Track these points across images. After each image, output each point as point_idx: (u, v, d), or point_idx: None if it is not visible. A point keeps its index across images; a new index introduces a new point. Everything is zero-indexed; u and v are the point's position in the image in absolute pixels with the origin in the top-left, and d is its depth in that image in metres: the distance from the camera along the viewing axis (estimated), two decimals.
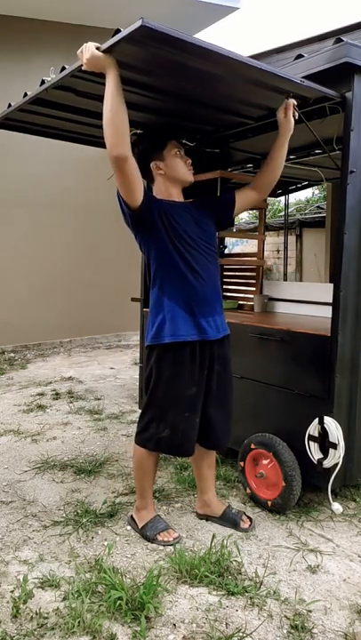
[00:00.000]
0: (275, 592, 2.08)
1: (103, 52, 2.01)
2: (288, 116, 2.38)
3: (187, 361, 2.30)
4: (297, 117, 2.40)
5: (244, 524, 2.55)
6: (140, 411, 2.55)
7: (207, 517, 2.65)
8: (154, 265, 2.35)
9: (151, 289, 2.39)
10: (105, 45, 1.99)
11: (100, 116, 3.01)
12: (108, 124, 2.05)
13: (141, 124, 3.19)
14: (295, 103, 2.38)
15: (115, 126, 2.05)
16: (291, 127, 2.40)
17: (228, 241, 10.55)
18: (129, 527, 2.57)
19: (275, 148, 2.49)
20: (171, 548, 2.38)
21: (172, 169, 2.39)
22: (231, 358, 2.52)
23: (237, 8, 7.77)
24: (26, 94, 2.68)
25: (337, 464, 2.48)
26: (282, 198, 6.46)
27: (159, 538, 2.43)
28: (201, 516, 2.67)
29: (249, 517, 2.62)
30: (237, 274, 4.28)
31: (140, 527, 2.50)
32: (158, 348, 2.32)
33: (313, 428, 2.54)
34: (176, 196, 2.44)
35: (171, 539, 2.42)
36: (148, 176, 2.44)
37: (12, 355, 7.19)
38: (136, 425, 2.52)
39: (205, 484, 2.64)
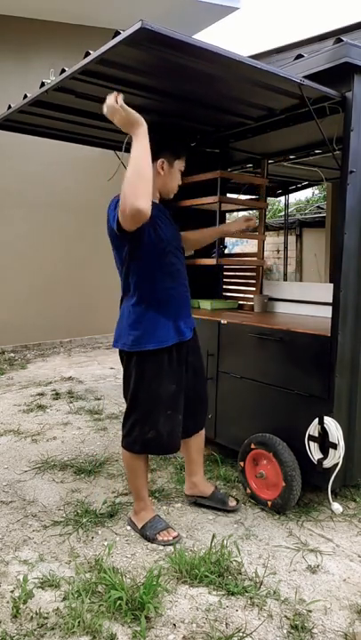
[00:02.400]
0: (275, 592, 2.08)
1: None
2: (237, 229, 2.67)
3: (166, 362, 2.37)
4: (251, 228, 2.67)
5: (232, 503, 2.70)
6: None
7: (196, 498, 2.76)
8: (134, 277, 2.33)
9: (127, 298, 2.38)
10: (104, 49, 1.99)
11: (99, 117, 3.02)
12: (138, 178, 2.02)
13: None
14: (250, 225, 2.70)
15: (146, 181, 2.04)
16: (229, 234, 2.67)
17: (228, 241, 10.56)
18: (129, 527, 2.57)
19: (204, 236, 2.79)
20: (171, 547, 2.38)
21: (170, 179, 2.43)
22: (200, 345, 2.67)
23: (237, 8, 7.77)
24: (26, 96, 2.68)
25: (337, 464, 2.48)
26: (282, 198, 6.46)
27: (159, 537, 2.43)
28: (189, 498, 2.78)
29: (236, 499, 2.75)
30: (237, 274, 4.28)
31: (139, 528, 2.51)
32: (138, 353, 2.34)
33: (313, 428, 2.54)
34: (155, 199, 2.40)
35: (170, 538, 2.43)
36: None
37: (12, 355, 7.19)
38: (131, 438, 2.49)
39: (194, 467, 2.74)
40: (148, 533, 2.45)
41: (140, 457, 2.49)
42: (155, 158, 2.31)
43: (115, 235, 2.29)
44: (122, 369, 2.49)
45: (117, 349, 2.46)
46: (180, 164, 2.44)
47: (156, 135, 2.22)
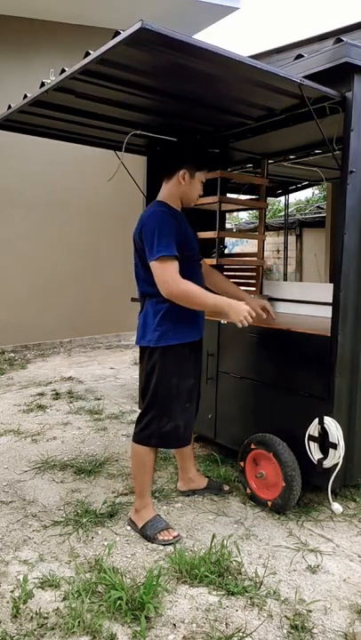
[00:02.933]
0: (275, 592, 2.08)
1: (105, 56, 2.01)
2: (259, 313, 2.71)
3: (187, 357, 2.52)
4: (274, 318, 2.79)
5: (225, 487, 2.93)
6: (140, 411, 2.58)
7: (192, 492, 2.89)
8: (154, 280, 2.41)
9: (151, 298, 2.47)
10: (104, 49, 1.99)
11: (99, 117, 3.03)
12: (188, 303, 2.35)
13: (142, 124, 3.20)
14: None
15: (190, 303, 2.36)
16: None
17: (228, 241, 10.56)
18: (129, 527, 2.57)
19: (222, 287, 2.85)
20: (171, 547, 2.38)
21: (191, 190, 2.51)
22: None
23: (237, 8, 7.77)
24: (26, 96, 2.68)
25: (337, 464, 2.48)
26: (282, 198, 6.45)
27: (159, 537, 2.44)
28: (185, 493, 2.89)
29: (226, 484, 2.97)
30: (237, 274, 4.28)
31: (139, 527, 2.51)
32: (161, 349, 2.45)
33: (313, 428, 2.54)
34: (178, 208, 2.55)
35: (171, 537, 2.44)
36: (169, 172, 2.50)
37: (12, 355, 7.19)
38: (135, 425, 2.57)
39: (189, 462, 2.88)
40: (148, 532, 2.46)
41: (152, 452, 2.54)
42: (177, 169, 2.46)
43: (142, 246, 2.41)
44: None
45: (136, 348, 2.56)
46: (201, 176, 2.52)
47: (180, 146, 2.38)
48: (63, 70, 2.34)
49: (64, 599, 2.02)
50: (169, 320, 2.42)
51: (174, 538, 2.44)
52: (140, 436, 2.51)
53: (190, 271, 2.44)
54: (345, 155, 2.44)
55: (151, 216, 2.39)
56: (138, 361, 2.88)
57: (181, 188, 2.48)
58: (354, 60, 2.31)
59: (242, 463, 2.86)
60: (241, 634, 1.85)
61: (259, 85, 2.39)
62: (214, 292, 2.81)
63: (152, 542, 2.43)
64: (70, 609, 1.95)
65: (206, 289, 2.49)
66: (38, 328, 7.58)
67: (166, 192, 2.51)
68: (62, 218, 7.69)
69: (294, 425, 2.67)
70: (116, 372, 6.18)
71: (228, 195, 4.30)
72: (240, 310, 2.33)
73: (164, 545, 2.41)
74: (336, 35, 4.09)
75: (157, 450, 2.58)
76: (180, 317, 2.43)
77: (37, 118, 3.02)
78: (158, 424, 2.46)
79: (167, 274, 2.28)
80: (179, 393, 2.48)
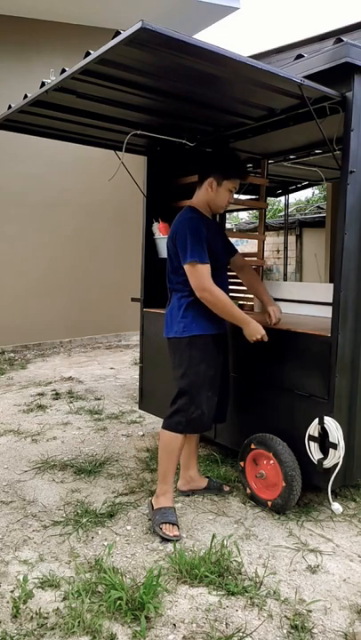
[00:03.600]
0: (275, 592, 2.08)
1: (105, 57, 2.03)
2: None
3: (209, 349, 2.64)
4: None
5: (226, 488, 2.93)
6: (140, 411, 2.61)
7: (191, 492, 2.91)
8: (185, 278, 2.57)
9: (177, 293, 2.65)
10: (104, 49, 1.99)
11: (99, 117, 3.03)
12: (215, 308, 2.55)
13: (142, 124, 3.20)
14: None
15: (219, 308, 2.56)
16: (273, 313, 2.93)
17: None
18: (129, 527, 2.57)
19: (254, 289, 3.13)
20: (171, 547, 2.38)
21: (219, 198, 2.64)
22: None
23: (237, 8, 7.77)
24: (26, 96, 2.68)
25: (337, 464, 2.48)
26: (282, 198, 6.45)
27: (163, 529, 2.48)
28: (185, 493, 2.90)
29: (227, 484, 2.99)
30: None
31: (154, 509, 2.58)
32: (187, 339, 2.59)
33: (313, 428, 2.54)
34: (207, 213, 2.70)
35: (171, 535, 2.46)
36: (200, 178, 2.67)
37: (12, 355, 7.19)
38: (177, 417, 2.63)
39: (192, 460, 2.92)
40: (157, 517, 2.53)
41: (179, 439, 2.61)
42: (206, 176, 2.62)
43: (176, 250, 2.59)
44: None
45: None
46: (229, 185, 2.62)
47: (210, 154, 2.50)
48: (63, 70, 2.34)
49: (64, 599, 2.02)
50: (192, 312, 2.59)
51: (174, 536, 2.45)
52: (168, 423, 2.62)
53: (212, 275, 2.55)
54: (345, 155, 2.44)
55: (183, 222, 2.56)
56: (138, 361, 2.86)
57: (209, 196, 2.63)
58: (354, 60, 2.31)
59: (242, 463, 2.86)
60: (241, 634, 1.85)
61: (259, 85, 2.39)
62: (246, 287, 3.18)
63: (154, 529, 2.49)
64: (70, 609, 1.95)
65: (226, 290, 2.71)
66: (38, 328, 7.58)
67: (196, 198, 2.68)
68: (62, 218, 7.69)
69: (294, 425, 2.67)
70: (116, 371, 6.18)
71: None
72: (255, 332, 2.61)
73: (162, 538, 2.44)
74: (336, 35, 4.09)
75: (185, 437, 2.66)
76: (202, 311, 2.58)
77: (37, 118, 3.02)
78: (188, 410, 2.58)
79: (201, 278, 2.49)
80: (204, 381, 2.61)
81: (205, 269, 2.49)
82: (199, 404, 2.60)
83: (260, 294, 3.08)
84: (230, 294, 4.18)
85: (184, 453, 2.87)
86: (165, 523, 2.49)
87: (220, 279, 2.65)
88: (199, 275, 2.49)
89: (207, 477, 3.00)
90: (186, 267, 2.51)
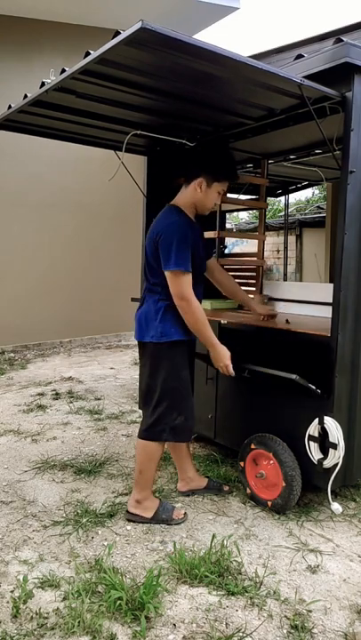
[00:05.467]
0: (275, 592, 2.08)
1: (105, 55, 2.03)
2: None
3: (187, 354, 2.63)
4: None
5: (225, 488, 2.93)
6: (140, 411, 2.60)
7: (192, 492, 2.90)
8: (164, 281, 2.49)
9: (153, 296, 2.56)
10: (104, 49, 1.99)
11: (99, 117, 3.03)
12: (189, 320, 2.47)
13: (142, 124, 3.20)
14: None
15: (194, 323, 2.49)
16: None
17: (228, 241, 10.55)
18: (129, 527, 2.57)
19: (231, 290, 3.03)
20: (171, 547, 2.38)
21: (207, 199, 2.54)
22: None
23: (237, 8, 7.76)
24: (26, 96, 2.68)
25: (337, 464, 2.48)
26: (282, 198, 6.44)
27: (175, 517, 2.58)
28: (185, 493, 2.89)
29: (226, 484, 2.99)
30: (237, 274, 4.27)
31: (150, 517, 2.58)
32: (168, 344, 2.52)
33: (313, 428, 2.54)
34: (191, 214, 2.60)
35: (182, 515, 2.62)
36: (188, 177, 2.54)
37: (12, 355, 7.19)
38: (142, 422, 2.61)
39: (187, 462, 2.90)
40: (164, 516, 2.58)
41: (161, 445, 2.61)
42: (195, 176, 2.49)
43: (157, 254, 2.48)
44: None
45: (136, 348, 2.62)
46: (218, 187, 2.53)
47: (200, 153, 2.39)
48: (63, 70, 2.34)
49: (64, 599, 2.02)
50: (171, 317, 2.51)
51: (185, 515, 2.62)
52: (152, 432, 2.55)
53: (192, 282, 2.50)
54: (345, 155, 2.44)
55: (171, 226, 2.43)
56: (138, 360, 2.86)
57: (196, 196, 2.52)
58: (354, 60, 2.31)
59: (242, 463, 2.86)
60: (241, 634, 1.85)
61: (259, 85, 2.39)
62: (223, 289, 3.02)
63: (169, 524, 2.56)
64: (70, 609, 1.95)
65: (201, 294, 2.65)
66: (38, 328, 7.57)
67: (182, 197, 2.56)
68: (62, 218, 7.69)
69: (294, 425, 2.67)
70: (116, 371, 6.18)
71: (228, 195, 4.29)
72: (222, 357, 2.55)
73: (177, 524, 2.56)
74: (336, 35, 4.09)
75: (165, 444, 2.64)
76: (178, 317, 2.52)
77: (37, 118, 3.02)
78: (169, 417, 2.53)
79: (181, 287, 2.41)
80: (185, 386, 2.59)
81: (188, 279, 2.41)
82: (181, 411, 2.55)
83: (239, 295, 3.05)
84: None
85: (176, 457, 2.89)
86: (172, 512, 2.60)
87: (198, 287, 2.57)
88: (181, 283, 2.40)
89: (207, 477, 3.00)
90: (168, 273, 2.42)
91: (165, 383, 2.52)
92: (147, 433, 2.57)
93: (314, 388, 2.51)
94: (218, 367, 2.61)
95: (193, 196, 2.53)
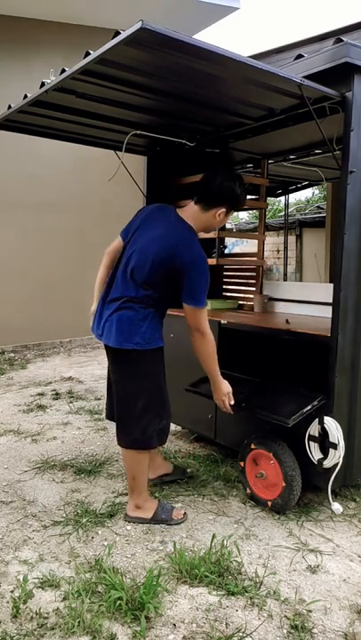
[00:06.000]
0: (275, 592, 2.08)
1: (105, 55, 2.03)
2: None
3: (163, 359, 2.65)
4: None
5: (188, 470, 3.10)
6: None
7: (160, 479, 2.98)
8: (156, 293, 2.48)
9: (139, 304, 2.47)
10: (104, 49, 1.99)
11: (99, 117, 3.03)
12: (202, 353, 2.52)
13: (142, 124, 3.20)
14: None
15: (207, 361, 2.56)
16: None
17: (228, 241, 10.54)
18: (129, 527, 2.57)
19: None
20: (171, 547, 2.38)
21: (219, 224, 2.61)
22: None
23: (237, 8, 7.76)
24: (26, 96, 2.68)
25: (337, 464, 2.48)
26: (282, 198, 6.44)
27: (174, 517, 2.60)
28: (155, 480, 2.95)
29: (187, 468, 3.16)
30: (237, 274, 4.28)
31: (150, 518, 2.59)
32: (152, 351, 2.51)
33: (313, 428, 2.54)
34: (198, 233, 2.59)
35: (181, 515, 2.64)
36: (208, 203, 2.49)
37: (12, 355, 7.19)
38: (123, 431, 2.58)
39: (153, 451, 2.84)
40: (163, 516, 2.60)
41: (149, 451, 2.62)
42: (217, 204, 2.48)
43: (165, 273, 2.42)
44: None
45: (112, 352, 2.55)
46: (228, 214, 2.61)
47: (226, 185, 2.44)
48: (63, 70, 2.34)
49: (64, 599, 2.02)
50: (155, 323, 2.53)
51: (184, 515, 2.64)
52: (142, 442, 2.52)
53: (172, 295, 2.52)
54: (345, 155, 2.44)
55: (201, 260, 2.40)
56: None
57: (213, 222, 2.55)
58: (354, 60, 2.31)
59: (242, 463, 2.86)
60: (241, 634, 1.85)
61: (259, 85, 2.39)
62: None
63: (169, 524, 2.58)
64: (70, 609, 1.95)
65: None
66: (38, 328, 7.57)
67: (199, 220, 2.51)
68: (62, 218, 7.69)
69: (294, 425, 2.67)
70: None
71: None
72: (222, 393, 2.61)
73: (177, 524, 2.58)
74: (336, 35, 4.09)
75: None
76: (160, 322, 2.58)
77: (37, 118, 3.02)
78: (156, 424, 2.55)
79: (202, 321, 2.44)
80: (166, 391, 2.63)
81: (205, 313, 2.47)
82: (163, 415, 2.59)
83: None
84: (230, 294, 4.22)
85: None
86: (171, 512, 2.61)
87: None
88: (203, 317, 2.45)
89: (171, 462, 3.13)
90: (190, 308, 2.42)
91: (151, 390, 2.53)
92: (136, 443, 2.53)
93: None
94: (217, 400, 2.65)
95: (208, 220, 2.52)
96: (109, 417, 2.83)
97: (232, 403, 2.62)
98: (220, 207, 2.49)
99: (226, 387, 2.61)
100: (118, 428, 2.60)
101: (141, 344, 2.45)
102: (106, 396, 2.88)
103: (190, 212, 2.51)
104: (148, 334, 2.47)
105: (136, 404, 2.50)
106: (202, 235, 2.85)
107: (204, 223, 2.53)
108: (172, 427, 3.92)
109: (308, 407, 2.51)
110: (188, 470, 3.11)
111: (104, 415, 3.08)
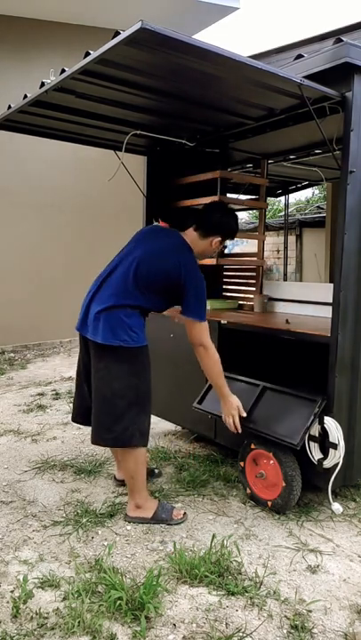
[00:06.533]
0: (275, 592, 2.08)
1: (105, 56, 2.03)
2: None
3: (149, 357, 2.67)
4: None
5: (156, 471, 3.14)
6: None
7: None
8: (150, 299, 2.60)
9: (128, 305, 2.56)
10: (104, 49, 1.99)
11: (99, 117, 3.03)
12: (207, 365, 2.64)
13: (142, 124, 3.20)
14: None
15: (212, 377, 2.69)
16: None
17: (228, 241, 10.52)
18: (129, 527, 2.57)
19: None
20: (171, 547, 2.38)
21: (212, 252, 2.79)
22: None
23: (237, 8, 7.76)
24: (26, 96, 2.68)
25: (337, 464, 2.48)
26: (282, 198, 6.45)
27: (175, 517, 2.61)
28: (121, 481, 2.97)
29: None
30: (237, 274, 4.28)
31: (150, 517, 2.59)
32: (138, 349, 2.56)
33: (313, 428, 2.54)
34: None
35: (181, 515, 2.64)
36: (207, 231, 2.69)
37: (12, 355, 7.19)
38: (103, 429, 2.55)
39: None
40: (163, 516, 2.61)
41: (144, 447, 2.64)
42: (213, 233, 2.69)
43: (169, 285, 2.57)
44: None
45: (99, 348, 2.58)
46: (223, 242, 2.82)
47: (222, 218, 2.72)
48: (63, 70, 2.34)
49: (64, 599, 2.02)
50: (140, 323, 2.60)
51: (184, 515, 2.64)
52: (121, 440, 2.53)
53: (161, 307, 2.69)
54: (345, 155, 2.44)
55: (200, 278, 2.58)
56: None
57: (208, 249, 2.74)
58: (354, 60, 2.31)
59: (242, 463, 2.86)
60: (241, 634, 1.85)
61: (259, 85, 2.39)
62: None
63: (169, 524, 2.58)
64: (70, 609, 1.95)
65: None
66: (38, 328, 7.57)
67: (195, 244, 2.69)
68: (62, 218, 7.69)
69: (294, 425, 2.67)
70: None
71: (228, 195, 4.30)
72: (232, 407, 2.71)
73: (177, 524, 2.58)
74: (336, 35, 4.09)
75: None
76: (144, 323, 2.64)
77: (37, 118, 3.02)
78: (138, 422, 2.55)
79: (205, 336, 2.59)
80: (150, 390, 2.64)
81: (207, 327, 2.60)
82: (148, 414, 2.62)
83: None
84: (230, 294, 4.22)
85: (112, 450, 2.95)
86: (171, 512, 2.62)
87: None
88: (204, 331, 2.58)
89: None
90: (191, 321, 2.57)
91: (137, 388, 2.55)
92: (117, 441, 2.54)
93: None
94: (226, 416, 2.73)
95: (205, 247, 2.71)
96: (79, 419, 2.82)
97: (244, 415, 2.72)
98: (216, 236, 2.69)
99: (235, 401, 2.72)
100: (97, 427, 2.58)
101: (128, 341, 2.51)
102: (75, 397, 2.88)
103: (191, 237, 2.70)
104: (135, 332, 2.53)
105: (120, 402, 2.51)
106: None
107: (201, 248, 2.71)
108: (172, 427, 3.95)
109: (312, 417, 2.52)
110: (157, 471, 3.13)
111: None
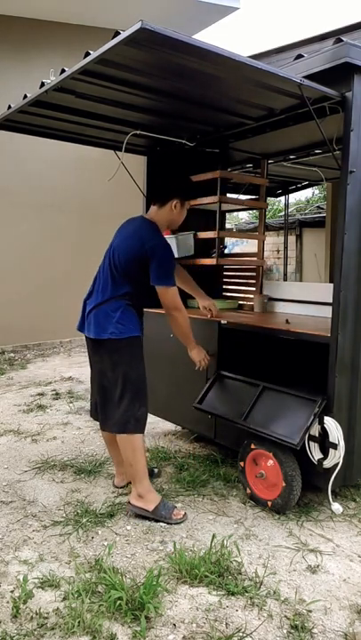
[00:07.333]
0: (275, 592, 2.08)
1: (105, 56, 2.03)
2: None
3: (141, 349, 2.77)
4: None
5: (155, 471, 3.14)
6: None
7: (128, 484, 2.95)
8: (130, 286, 2.69)
9: (118, 297, 2.69)
10: (104, 49, 1.99)
11: (99, 117, 3.03)
12: (178, 324, 2.79)
13: (142, 124, 3.20)
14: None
15: (182, 331, 2.85)
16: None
17: (228, 241, 10.54)
18: (129, 527, 2.57)
19: (189, 287, 3.24)
20: (171, 547, 2.38)
21: (178, 216, 2.83)
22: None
23: (237, 8, 7.77)
24: (26, 96, 2.68)
25: (337, 464, 2.48)
26: (282, 198, 6.44)
27: (175, 516, 2.62)
28: (123, 487, 2.97)
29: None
30: (237, 274, 4.28)
31: (151, 510, 2.61)
32: (126, 340, 2.66)
33: (313, 428, 2.54)
34: (163, 230, 2.83)
35: (181, 515, 2.64)
36: (162, 200, 2.76)
37: (12, 355, 7.19)
38: (108, 417, 2.72)
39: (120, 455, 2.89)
40: (163, 513, 2.62)
41: (141, 434, 2.68)
42: (169, 199, 2.74)
43: (138, 261, 2.65)
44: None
45: (95, 343, 2.75)
46: (188, 204, 2.86)
47: (173, 180, 2.80)
48: (63, 70, 2.34)
49: (64, 599, 2.02)
50: (128, 314, 2.68)
51: (184, 516, 2.64)
52: (119, 425, 2.65)
53: (147, 290, 2.72)
54: (345, 155, 2.44)
55: (165, 246, 2.68)
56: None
57: (172, 215, 2.79)
58: (354, 60, 2.31)
59: (242, 463, 2.86)
60: (241, 634, 1.85)
61: (259, 85, 2.39)
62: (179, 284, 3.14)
63: (168, 523, 2.58)
64: (70, 609, 1.95)
65: (191, 272, 3.10)
66: (38, 328, 7.57)
67: (159, 216, 2.78)
68: (62, 218, 7.69)
69: (294, 425, 2.67)
70: None
71: (228, 195, 4.29)
72: (199, 355, 2.96)
73: (177, 524, 2.58)
74: (336, 35, 4.09)
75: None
76: (134, 314, 2.71)
77: (37, 118, 3.02)
78: (132, 409, 2.64)
79: (175, 299, 2.70)
80: (143, 379, 2.72)
81: (176, 290, 2.70)
82: (143, 402, 2.70)
83: (193, 289, 3.26)
84: (230, 294, 4.22)
85: (114, 453, 2.96)
86: (172, 510, 2.63)
87: (151, 291, 2.79)
88: (175, 295, 2.68)
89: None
90: (162, 288, 2.65)
91: (128, 376, 2.66)
92: (115, 426, 2.69)
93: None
94: (197, 363, 2.96)
95: (169, 215, 2.78)
96: (94, 415, 2.96)
97: (208, 358, 2.98)
98: (172, 200, 2.74)
99: (201, 350, 2.97)
100: (101, 415, 2.80)
101: (116, 333, 2.64)
102: (90, 394, 3.02)
103: (152, 213, 2.80)
104: (122, 324, 2.64)
105: (114, 390, 2.68)
106: (201, 234, 2.92)
107: (165, 217, 2.78)
108: (172, 427, 3.95)
109: (312, 418, 2.52)
110: (156, 471, 3.14)
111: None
